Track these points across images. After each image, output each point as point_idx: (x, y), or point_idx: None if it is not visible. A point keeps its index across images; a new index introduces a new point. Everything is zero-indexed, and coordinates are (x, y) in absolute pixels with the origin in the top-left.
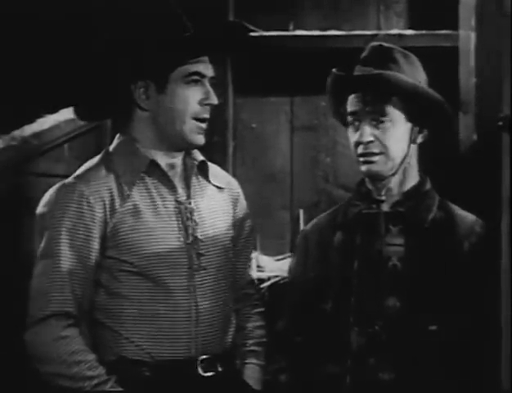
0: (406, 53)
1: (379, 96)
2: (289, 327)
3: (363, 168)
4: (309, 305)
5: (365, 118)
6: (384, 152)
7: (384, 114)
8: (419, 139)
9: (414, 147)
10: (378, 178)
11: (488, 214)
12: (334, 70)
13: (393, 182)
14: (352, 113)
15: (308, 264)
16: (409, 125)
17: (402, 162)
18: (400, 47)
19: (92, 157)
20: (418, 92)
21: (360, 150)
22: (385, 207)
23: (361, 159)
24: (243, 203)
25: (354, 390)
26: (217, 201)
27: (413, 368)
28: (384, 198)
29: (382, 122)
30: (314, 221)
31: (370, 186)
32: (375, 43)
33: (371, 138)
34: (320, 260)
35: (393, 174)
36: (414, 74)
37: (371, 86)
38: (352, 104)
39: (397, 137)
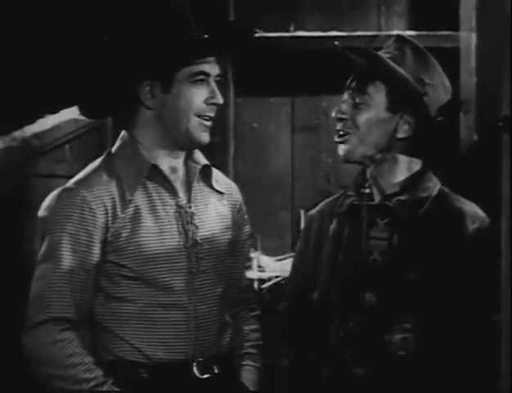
0: (421, 51)
1: (364, 75)
2: (289, 311)
3: (339, 149)
4: (302, 293)
5: (347, 95)
6: (355, 133)
7: (362, 92)
8: (401, 133)
9: (400, 143)
10: (352, 162)
11: (488, 214)
12: (336, 42)
13: (378, 173)
14: (345, 87)
15: (308, 249)
16: (389, 115)
17: (381, 152)
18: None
19: (92, 158)
20: (397, 78)
21: (337, 127)
22: (377, 200)
23: (336, 139)
24: (242, 209)
25: (330, 383)
26: (218, 206)
27: (387, 363)
28: (367, 191)
29: (360, 102)
30: (320, 205)
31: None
32: (398, 34)
33: (343, 116)
34: (316, 248)
35: (373, 163)
36: (418, 72)
37: (361, 62)
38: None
39: (373, 121)
